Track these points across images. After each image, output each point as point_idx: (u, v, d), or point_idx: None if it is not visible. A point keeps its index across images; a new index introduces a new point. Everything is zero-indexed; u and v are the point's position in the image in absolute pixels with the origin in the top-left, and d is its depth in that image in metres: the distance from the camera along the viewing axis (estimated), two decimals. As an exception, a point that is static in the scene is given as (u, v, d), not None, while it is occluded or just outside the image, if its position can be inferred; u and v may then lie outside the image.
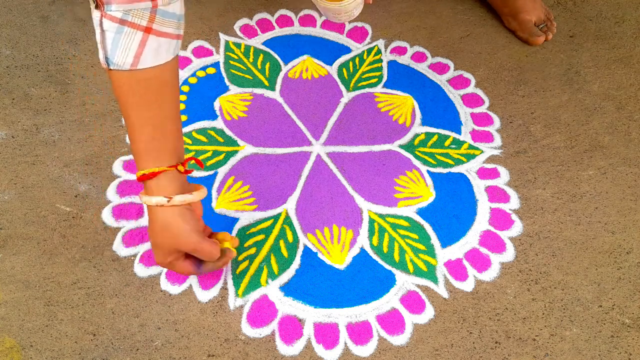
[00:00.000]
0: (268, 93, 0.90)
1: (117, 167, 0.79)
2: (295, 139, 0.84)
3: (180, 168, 0.59)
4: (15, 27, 0.95)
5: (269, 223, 0.75)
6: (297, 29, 1.00)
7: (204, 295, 0.68)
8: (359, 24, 1.01)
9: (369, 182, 0.80)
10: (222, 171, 0.80)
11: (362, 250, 0.73)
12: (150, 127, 0.57)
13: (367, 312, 0.68)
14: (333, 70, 0.94)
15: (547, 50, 1.00)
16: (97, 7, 0.51)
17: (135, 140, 0.57)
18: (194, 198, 0.59)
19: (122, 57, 0.53)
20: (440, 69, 0.96)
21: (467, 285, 0.71)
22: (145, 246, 0.71)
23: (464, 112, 0.90)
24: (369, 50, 0.97)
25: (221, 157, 0.81)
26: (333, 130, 0.86)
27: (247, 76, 0.92)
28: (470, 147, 0.85)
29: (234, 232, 0.74)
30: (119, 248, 0.71)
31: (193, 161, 0.60)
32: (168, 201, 0.57)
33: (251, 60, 0.94)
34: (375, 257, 0.73)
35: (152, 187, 0.58)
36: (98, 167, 0.79)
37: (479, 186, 0.81)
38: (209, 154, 0.81)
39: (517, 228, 0.76)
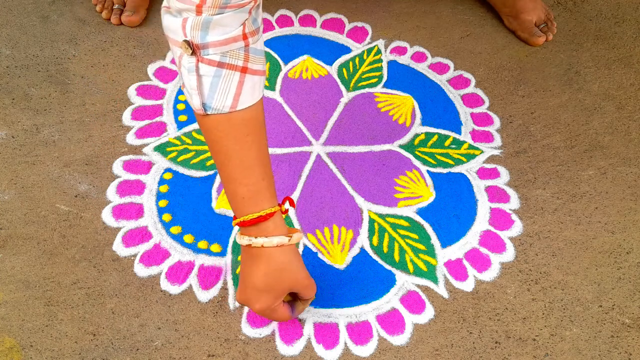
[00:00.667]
0: (268, 93, 0.90)
1: (117, 167, 0.79)
2: (295, 139, 0.84)
3: (282, 207, 0.58)
4: (15, 27, 0.95)
5: (269, 223, 0.75)
6: (297, 29, 1.00)
7: (204, 295, 0.68)
8: (359, 24, 1.01)
9: (369, 182, 0.80)
10: (222, 171, 0.80)
11: (362, 250, 0.73)
12: (258, 167, 0.56)
13: (367, 312, 0.68)
14: (333, 70, 0.94)
15: (547, 50, 1.00)
16: (192, 53, 0.50)
17: (242, 183, 0.56)
18: (301, 235, 0.59)
19: (221, 101, 0.52)
20: (440, 69, 0.96)
21: (467, 285, 0.71)
22: (145, 246, 0.71)
23: (464, 112, 0.90)
24: (369, 50, 0.97)
25: (221, 157, 0.81)
26: (333, 130, 0.86)
27: (247, 76, 0.92)
28: (470, 147, 0.85)
29: (234, 232, 0.74)
30: (119, 248, 0.71)
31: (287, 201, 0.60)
32: (289, 240, 0.57)
33: (251, 60, 0.94)
34: (375, 257, 0.73)
35: (269, 228, 0.56)
36: (98, 167, 0.79)
37: (479, 186, 0.81)
38: (209, 154, 0.81)
39: (517, 228, 0.76)
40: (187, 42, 0.50)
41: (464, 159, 0.84)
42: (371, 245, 0.74)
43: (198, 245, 0.72)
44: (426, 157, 0.83)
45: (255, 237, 0.56)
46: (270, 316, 0.60)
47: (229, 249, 0.72)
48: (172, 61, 0.93)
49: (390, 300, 0.69)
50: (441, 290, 0.70)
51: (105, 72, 0.90)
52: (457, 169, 0.82)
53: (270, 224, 0.57)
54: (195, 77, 0.52)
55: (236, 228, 0.74)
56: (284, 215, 0.59)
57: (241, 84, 0.53)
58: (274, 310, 0.60)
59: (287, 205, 0.60)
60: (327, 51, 0.97)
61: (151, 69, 0.91)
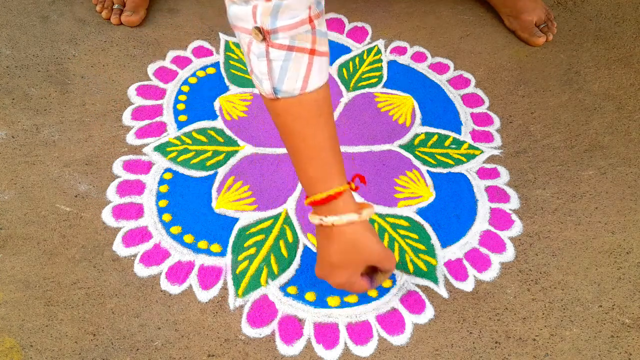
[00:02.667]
0: (268, 93, 0.90)
1: (117, 167, 0.79)
2: (295, 139, 0.84)
3: (352, 185, 0.59)
4: (15, 27, 0.95)
5: (269, 223, 0.75)
6: (297, 29, 1.00)
7: (204, 295, 0.68)
8: (359, 24, 1.01)
9: (369, 182, 0.80)
10: (222, 171, 0.80)
11: (362, 250, 0.73)
12: (327, 147, 0.57)
13: (367, 312, 0.68)
14: (333, 70, 0.94)
15: (547, 50, 1.00)
16: (263, 39, 0.51)
17: (312, 164, 0.57)
18: (373, 210, 0.59)
19: (291, 84, 0.54)
20: (440, 69, 0.96)
21: (467, 285, 0.71)
22: (145, 246, 0.71)
23: (464, 112, 0.90)
24: (369, 50, 0.97)
25: (221, 157, 0.81)
26: (333, 130, 0.86)
27: (247, 76, 0.92)
28: (470, 147, 0.85)
29: (234, 232, 0.74)
30: (119, 248, 0.71)
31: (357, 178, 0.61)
32: (358, 217, 0.57)
33: (251, 60, 0.94)
34: (375, 257, 0.73)
35: (338, 207, 0.57)
36: (98, 167, 0.79)
37: (479, 186, 0.81)
38: (209, 154, 0.81)
39: (517, 228, 0.76)
40: (258, 29, 0.51)
41: (464, 159, 0.84)
42: (371, 245, 0.74)
43: (198, 245, 0.72)
44: (426, 157, 0.83)
45: (326, 217, 0.57)
46: (349, 289, 0.62)
47: (229, 249, 0.72)
48: (172, 61, 0.93)
49: (390, 300, 0.69)
50: (441, 290, 0.70)
51: (105, 72, 0.90)
52: (457, 169, 0.82)
53: (340, 203, 0.57)
54: (265, 62, 0.53)
55: (235, 228, 0.74)
56: (354, 193, 0.59)
57: (310, 66, 0.54)
58: (352, 284, 0.61)
59: (357, 182, 0.60)
60: (327, 51, 0.97)
61: (151, 69, 0.91)
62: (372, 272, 0.63)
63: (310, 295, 0.69)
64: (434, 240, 0.75)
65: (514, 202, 0.79)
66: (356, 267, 0.60)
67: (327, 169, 0.57)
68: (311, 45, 0.53)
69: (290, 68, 0.53)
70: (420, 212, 0.77)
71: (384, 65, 0.95)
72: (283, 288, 0.69)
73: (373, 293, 0.69)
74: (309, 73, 0.54)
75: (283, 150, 0.83)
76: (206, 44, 0.96)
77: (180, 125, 0.85)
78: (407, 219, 0.76)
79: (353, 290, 0.62)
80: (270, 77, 0.53)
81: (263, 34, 0.51)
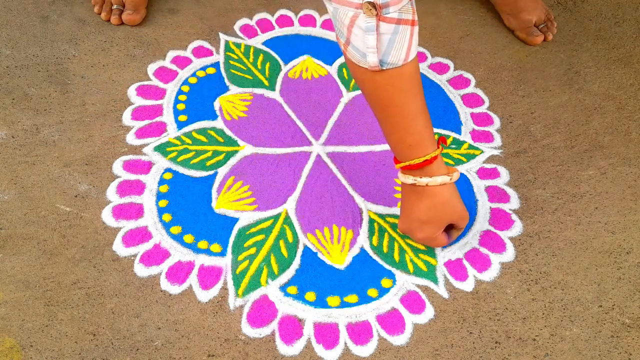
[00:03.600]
0: (268, 93, 0.90)
1: (117, 167, 0.79)
2: (295, 139, 0.84)
3: (440, 147, 0.64)
4: (15, 27, 0.95)
5: (269, 223, 0.75)
6: (297, 29, 1.00)
7: (204, 295, 0.68)
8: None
9: (369, 182, 0.80)
10: (222, 171, 0.80)
11: (362, 250, 0.73)
12: (422, 115, 0.62)
13: (367, 312, 0.68)
14: (333, 70, 0.94)
15: (547, 50, 1.00)
16: (376, 14, 0.54)
17: (409, 132, 0.62)
18: (459, 173, 0.66)
19: (396, 55, 0.57)
20: (440, 69, 0.96)
21: (467, 285, 0.71)
22: (145, 246, 0.71)
23: (464, 112, 0.90)
24: (369, 50, 0.97)
25: (221, 157, 0.81)
26: (333, 130, 0.86)
27: (247, 76, 0.92)
28: (470, 147, 0.85)
29: (234, 232, 0.74)
30: (119, 248, 0.71)
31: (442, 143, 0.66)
32: (450, 179, 0.64)
33: (251, 60, 0.94)
34: (375, 257, 0.73)
35: (432, 169, 0.63)
36: (98, 167, 0.79)
37: (479, 186, 0.81)
38: (209, 154, 0.81)
39: (517, 228, 0.76)
40: (371, 4, 0.53)
41: (464, 159, 0.84)
42: (371, 245, 0.74)
43: (198, 245, 0.72)
44: (426, 157, 0.83)
45: (421, 177, 0.63)
46: (429, 243, 0.70)
47: (229, 249, 0.72)
48: (172, 61, 0.93)
49: (390, 300, 0.69)
50: (441, 290, 0.70)
51: (105, 72, 0.90)
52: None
53: (434, 166, 0.63)
54: (374, 35, 0.55)
55: (235, 228, 0.74)
56: (437, 151, 0.64)
57: (412, 37, 0.57)
58: (434, 239, 0.68)
59: (441, 144, 0.66)
60: (327, 51, 0.97)
61: (151, 69, 0.91)
62: (449, 228, 0.69)
63: (310, 295, 0.69)
64: (434, 240, 0.75)
65: (514, 202, 0.79)
66: (440, 224, 0.67)
67: (423, 136, 0.62)
68: (412, 16, 0.56)
69: (397, 40, 0.56)
70: (420, 212, 0.77)
71: (384, 65, 0.95)
72: (283, 288, 0.69)
73: (373, 293, 0.69)
74: (410, 43, 0.57)
75: (283, 150, 0.83)
76: (206, 44, 0.96)
77: (180, 125, 0.85)
78: (407, 219, 0.76)
79: (433, 244, 0.70)
80: (377, 50, 0.56)
81: (376, 9, 0.53)
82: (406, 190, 0.67)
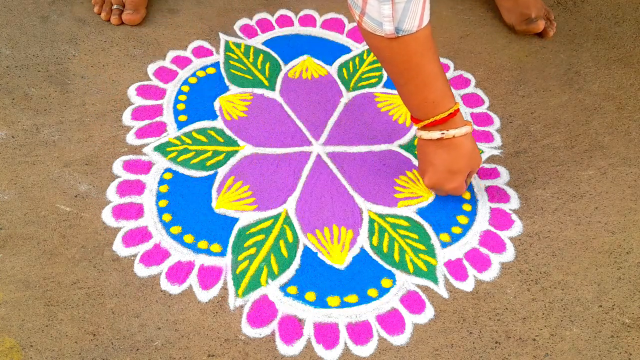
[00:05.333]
0: (268, 93, 0.90)
1: (117, 167, 0.79)
2: (295, 139, 0.84)
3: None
4: (15, 27, 0.95)
5: (269, 223, 0.75)
6: (297, 29, 1.00)
7: (204, 295, 0.68)
8: (359, 24, 1.01)
9: (369, 182, 0.80)
10: (222, 171, 0.80)
11: (362, 250, 0.73)
12: (441, 74, 0.67)
13: (367, 312, 0.68)
14: (333, 70, 0.94)
15: (547, 50, 1.00)
16: None
17: (432, 90, 0.67)
18: (472, 124, 0.71)
19: (410, 23, 0.62)
20: (440, 69, 0.96)
21: (467, 285, 0.71)
22: (145, 246, 0.71)
23: (464, 112, 0.90)
24: (369, 51, 0.97)
25: (221, 157, 0.81)
26: (333, 130, 0.86)
27: (247, 76, 0.92)
28: (470, 147, 0.85)
29: (234, 232, 0.74)
30: (119, 248, 0.71)
31: None
32: (471, 128, 0.70)
33: (251, 60, 0.94)
34: (375, 257, 0.73)
35: (456, 122, 0.69)
36: (98, 167, 0.79)
37: (479, 186, 0.81)
38: (209, 154, 0.81)
39: (517, 228, 0.76)
40: None
41: (464, 159, 0.84)
42: (371, 245, 0.74)
43: (198, 245, 0.72)
44: (426, 157, 0.83)
45: (447, 130, 0.68)
46: (456, 192, 0.74)
47: (229, 249, 0.72)
48: (172, 61, 0.93)
49: (390, 300, 0.69)
50: (441, 290, 0.70)
51: (105, 72, 0.90)
52: (457, 169, 0.82)
53: (457, 118, 0.69)
54: (389, 5, 0.60)
55: (235, 228, 0.74)
56: (457, 104, 0.70)
57: (424, 3, 0.62)
58: (462, 187, 0.73)
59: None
60: (327, 51, 0.97)
61: (151, 69, 0.91)
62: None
63: (310, 295, 0.69)
64: (434, 240, 0.75)
65: (514, 202, 0.79)
66: (466, 172, 0.72)
67: (444, 92, 0.67)
68: None
69: (410, 9, 0.60)
70: (420, 212, 0.77)
71: (384, 65, 0.96)
72: (283, 288, 0.69)
73: (373, 293, 0.69)
74: (423, 11, 0.62)
75: (283, 150, 0.83)
76: (206, 44, 0.96)
77: (180, 125, 0.85)
78: (407, 219, 0.76)
79: (459, 192, 0.74)
80: (393, 18, 0.60)
81: None
82: (431, 146, 0.71)
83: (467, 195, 0.79)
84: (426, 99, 0.68)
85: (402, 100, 0.72)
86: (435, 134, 0.69)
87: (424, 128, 0.70)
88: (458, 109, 0.69)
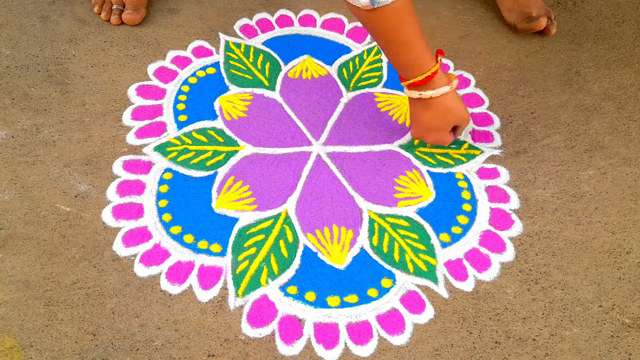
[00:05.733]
0: (268, 93, 0.90)
1: (117, 167, 0.79)
2: (295, 139, 0.84)
3: (439, 60, 0.74)
4: (15, 27, 0.95)
5: (269, 223, 0.75)
6: (297, 29, 1.00)
7: (204, 295, 0.68)
8: (359, 24, 1.01)
9: (369, 182, 0.80)
10: (222, 171, 0.80)
11: (362, 250, 0.73)
12: (420, 38, 0.71)
13: (367, 312, 0.68)
14: (333, 70, 0.94)
15: (547, 50, 1.00)
16: None
17: (410, 55, 0.72)
18: (457, 82, 0.75)
19: None
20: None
21: (467, 285, 0.71)
22: (145, 246, 0.71)
23: (464, 112, 0.90)
24: (369, 50, 0.97)
25: (221, 157, 0.81)
26: (333, 130, 0.86)
27: (247, 76, 0.92)
28: (470, 147, 0.85)
29: (234, 232, 0.74)
30: (119, 248, 0.71)
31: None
32: (450, 88, 0.73)
33: (251, 60, 0.94)
34: (375, 257, 0.73)
35: (434, 83, 0.73)
36: (98, 167, 0.79)
37: (479, 186, 0.81)
38: (209, 154, 0.81)
39: (517, 228, 0.76)
40: None
41: (464, 159, 0.84)
42: (371, 245, 0.74)
43: (198, 245, 0.72)
44: (426, 157, 0.83)
45: (425, 91, 0.73)
46: (441, 143, 0.79)
47: (229, 249, 0.72)
48: (172, 61, 0.93)
49: (390, 300, 0.69)
50: (441, 290, 0.70)
51: (105, 72, 0.90)
52: (457, 169, 0.82)
53: (435, 79, 0.73)
54: None
55: (235, 228, 0.74)
56: (436, 66, 0.73)
57: None
58: (443, 140, 0.79)
59: (439, 57, 0.75)
60: (327, 51, 0.97)
61: (151, 69, 0.91)
62: (454, 128, 0.79)
63: (310, 295, 0.69)
64: (434, 240, 0.75)
65: (514, 202, 0.79)
66: (447, 128, 0.77)
67: (422, 56, 0.72)
68: None
69: None
70: (420, 212, 0.77)
71: (384, 65, 0.95)
72: (283, 288, 0.69)
73: (373, 293, 0.69)
74: None
75: (283, 150, 0.83)
76: (206, 44, 0.96)
77: (180, 125, 0.85)
78: (407, 219, 0.76)
79: (444, 143, 0.79)
80: None
81: None
82: (413, 103, 0.77)
83: (467, 195, 0.79)
84: (406, 63, 0.72)
85: (388, 60, 0.78)
86: (414, 94, 0.74)
87: (407, 87, 0.75)
88: (436, 71, 0.72)
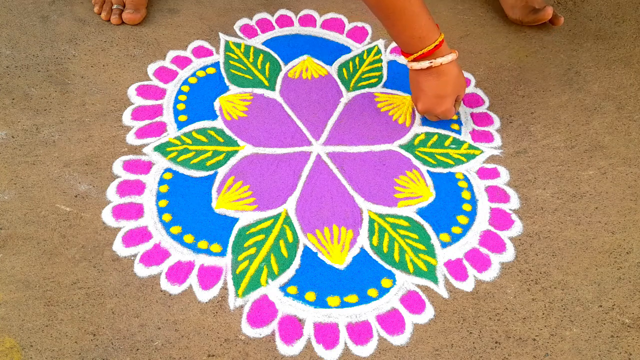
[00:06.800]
0: (268, 93, 0.90)
1: (117, 167, 0.79)
2: (295, 139, 0.84)
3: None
4: (15, 27, 0.95)
5: (269, 223, 0.75)
6: (297, 29, 1.00)
7: (204, 295, 0.68)
8: (359, 24, 1.01)
9: (369, 182, 0.80)
10: (222, 171, 0.80)
11: (362, 250, 0.73)
12: (423, 10, 0.76)
13: (367, 312, 0.68)
14: (333, 70, 0.94)
15: (547, 50, 1.00)
16: None
17: (417, 27, 0.75)
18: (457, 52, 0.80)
19: None
20: (440, 69, 0.96)
21: (467, 285, 0.71)
22: (145, 246, 0.71)
23: (464, 112, 0.90)
24: (369, 50, 0.97)
25: (221, 157, 0.81)
26: (333, 130, 0.86)
27: (247, 76, 0.92)
28: (470, 147, 0.85)
29: (234, 232, 0.74)
30: (119, 248, 0.71)
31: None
32: (456, 55, 0.78)
33: (251, 60, 0.94)
34: (375, 257, 0.73)
35: (442, 51, 0.77)
36: (98, 167, 0.79)
37: (479, 186, 0.81)
38: (209, 154, 0.81)
39: (517, 228, 0.76)
40: None
41: (464, 159, 0.84)
42: (371, 245, 0.74)
43: (198, 245, 0.72)
44: (426, 157, 0.83)
45: (435, 59, 0.77)
46: (446, 115, 0.83)
47: (229, 249, 0.72)
48: (172, 61, 0.93)
49: (390, 300, 0.69)
50: (441, 290, 0.70)
51: (105, 72, 0.90)
52: (457, 169, 0.82)
53: (442, 48, 0.77)
54: None
55: (235, 228, 0.74)
56: (442, 35, 0.78)
57: None
58: (452, 110, 0.82)
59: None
60: (327, 51, 0.97)
61: (151, 69, 0.91)
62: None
63: (310, 295, 0.69)
64: (434, 240, 0.75)
65: (514, 202, 0.79)
66: (454, 95, 0.81)
67: (429, 26, 0.76)
68: None
69: None
70: (420, 212, 0.77)
71: (384, 65, 0.96)
72: (283, 288, 0.69)
73: (373, 293, 0.69)
74: None
75: (283, 150, 0.83)
76: (206, 44, 0.96)
77: (180, 125, 0.85)
78: (407, 219, 0.76)
79: (448, 116, 0.83)
80: None
81: None
82: (422, 75, 0.79)
83: (467, 195, 0.79)
84: (412, 36, 0.76)
85: (392, 38, 0.80)
86: (424, 64, 0.77)
87: (414, 60, 0.78)
88: (443, 40, 0.77)
